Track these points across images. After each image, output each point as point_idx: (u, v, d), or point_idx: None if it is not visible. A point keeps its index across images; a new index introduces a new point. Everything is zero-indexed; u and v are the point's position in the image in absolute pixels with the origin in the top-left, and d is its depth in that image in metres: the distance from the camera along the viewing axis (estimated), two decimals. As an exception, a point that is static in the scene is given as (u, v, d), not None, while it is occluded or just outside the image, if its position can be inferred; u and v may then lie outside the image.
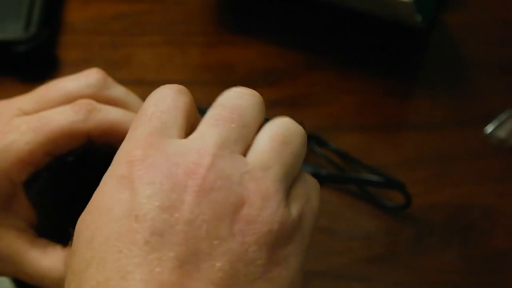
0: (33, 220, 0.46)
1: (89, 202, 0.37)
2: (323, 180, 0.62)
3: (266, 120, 0.44)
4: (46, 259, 0.45)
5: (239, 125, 0.38)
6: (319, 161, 0.63)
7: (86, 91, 0.46)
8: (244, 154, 0.38)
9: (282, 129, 0.40)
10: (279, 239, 0.36)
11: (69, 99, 0.46)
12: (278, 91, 0.68)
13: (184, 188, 0.35)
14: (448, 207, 0.61)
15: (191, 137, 0.37)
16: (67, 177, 0.46)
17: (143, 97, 0.68)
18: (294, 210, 0.37)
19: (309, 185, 0.40)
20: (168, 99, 0.39)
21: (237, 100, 0.39)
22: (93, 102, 0.45)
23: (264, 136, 0.39)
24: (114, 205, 0.35)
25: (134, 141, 0.37)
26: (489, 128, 0.65)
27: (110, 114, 0.45)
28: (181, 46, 0.71)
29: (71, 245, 0.37)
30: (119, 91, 0.48)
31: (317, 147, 0.63)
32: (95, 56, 0.70)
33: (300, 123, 0.64)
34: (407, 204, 0.59)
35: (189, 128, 0.39)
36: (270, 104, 0.66)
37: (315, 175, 0.61)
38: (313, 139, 0.64)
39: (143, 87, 0.68)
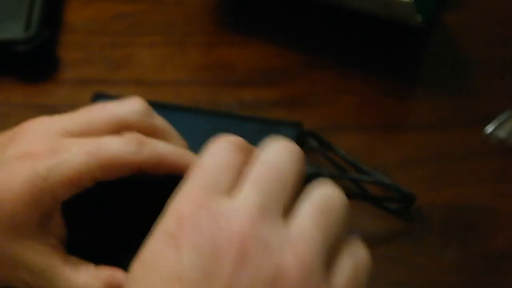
0: (64, 238, 0.47)
1: (140, 254, 0.38)
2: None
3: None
4: (80, 276, 0.46)
5: (281, 187, 0.38)
6: (319, 161, 0.63)
7: (131, 117, 0.47)
8: (286, 215, 0.38)
9: (324, 199, 0.39)
10: None
11: (115, 124, 0.47)
12: (278, 91, 0.68)
13: (225, 255, 0.35)
14: (448, 207, 0.61)
15: (236, 197, 0.38)
16: (102, 199, 0.47)
17: (143, 97, 0.68)
18: (337, 283, 0.37)
19: (358, 258, 0.39)
20: (226, 155, 0.40)
21: (279, 159, 0.39)
22: (142, 136, 0.46)
23: (306, 205, 0.39)
24: (160, 263, 0.36)
25: (186, 197, 0.38)
26: (489, 128, 0.65)
27: (159, 148, 0.46)
28: (181, 46, 0.71)
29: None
30: (160, 120, 0.49)
31: (313, 142, 0.63)
32: (95, 56, 0.70)
33: (299, 123, 0.64)
34: (408, 205, 0.59)
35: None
36: (270, 104, 0.67)
37: (316, 175, 0.61)
38: (313, 138, 0.64)
39: (143, 87, 0.68)
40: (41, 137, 0.45)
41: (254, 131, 0.64)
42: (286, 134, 0.63)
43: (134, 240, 0.43)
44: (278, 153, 0.39)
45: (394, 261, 0.57)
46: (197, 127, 0.64)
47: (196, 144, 0.64)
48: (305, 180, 0.62)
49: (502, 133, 0.64)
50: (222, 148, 0.40)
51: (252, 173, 0.38)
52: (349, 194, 0.61)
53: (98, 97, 0.66)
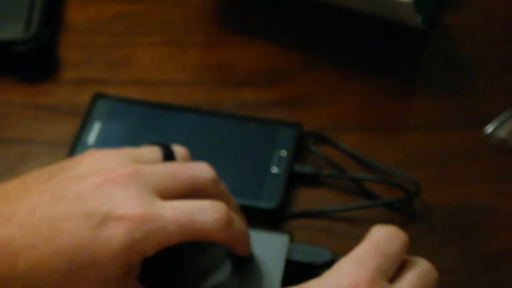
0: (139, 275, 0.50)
1: None
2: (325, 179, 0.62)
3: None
4: None
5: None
6: (318, 161, 0.63)
7: (207, 184, 0.51)
8: None
9: (422, 280, 0.48)
10: None
11: (193, 187, 0.50)
12: (278, 91, 0.68)
13: None
14: (448, 207, 0.61)
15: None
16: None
17: (144, 97, 0.68)
18: None
19: None
20: (399, 246, 0.48)
21: (428, 277, 0.48)
22: (230, 215, 0.49)
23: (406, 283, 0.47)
24: None
25: (364, 271, 0.46)
26: (489, 128, 0.65)
27: (239, 227, 0.50)
28: (181, 46, 0.71)
29: None
30: (224, 186, 0.53)
31: (313, 146, 0.63)
32: (95, 56, 0.70)
33: (299, 123, 0.64)
34: (413, 197, 0.60)
35: None
36: (270, 104, 0.67)
37: (316, 175, 0.62)
38: (316, 137, 0.64)
39: (143, 87, 0.68)
40: (134, 198, 0.47)
41: (254, 131, 0.64)
42: (286, 135, 0.63)
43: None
44: (428, 273, 0.48)
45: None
46: (197, 127, 0.64)
47: (196, 143, 0.64)
48: (305, 181, 0.62)
49: (502, 133, 0.64)
50: (396, 239, 0.49)
51: (409, 275, 0.47)
52: (349, 194, 0.61)
53: (98, 97, 0.66)
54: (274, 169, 0.61)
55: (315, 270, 0.55)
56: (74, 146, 0.63)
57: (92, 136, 0.63)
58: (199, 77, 0.69)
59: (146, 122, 0.64)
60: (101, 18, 0.73)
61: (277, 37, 0.71)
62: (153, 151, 0.52)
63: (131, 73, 0.69)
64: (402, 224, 0.60)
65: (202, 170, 0.51)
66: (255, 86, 0.68)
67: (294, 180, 0.62)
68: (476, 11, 0.73)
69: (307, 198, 0.61)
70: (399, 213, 0.60)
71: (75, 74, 0.69)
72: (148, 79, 0.69)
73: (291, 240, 0.55)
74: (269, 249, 0.54)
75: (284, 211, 0.60)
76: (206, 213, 0.48)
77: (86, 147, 0.63)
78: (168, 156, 0.53)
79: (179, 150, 0.54)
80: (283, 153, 0.62)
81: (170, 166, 0.51)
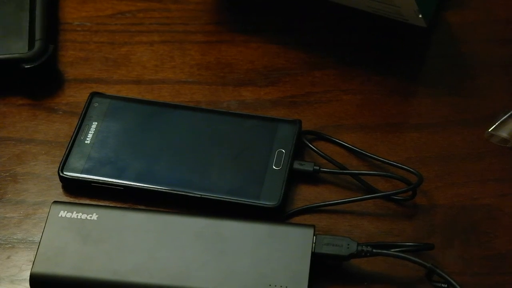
0: None
1: None
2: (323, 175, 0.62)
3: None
4: None
5: None
6: (318, 158, 0.62)
7: None
8: None
9: None
10: None
11: None
12: (278, 91, 0.67)
13: None
14: (450, 207, 0.60)
15: None
16: None
17: (142, 96, 0.68)
18: None
19: None
20: None
21: None
22: None
23: None
24: None
25: None
26: (491, 128, 0.64)
27: None
28: (180, 45, 0.70)
29: None
30: None
31: (313, 144, 0.63)
32: (94, 55, 0.70)
33: (298, 121, 0.64)
34: (413, 193, 0.60)
35: None
36: (270, 104, 0.66)
37: (317, 171, 0.61)
38: (315, 135, 0.64)
39: (142, 86, 0.68)
40: None
41: (253, 129, 0.63)
42: (285, 132, 0.63)
43: None
44: None
45: (396, 262, 0.57)
46: (195, 125, 0.64)
47: (195, 142, 0.63)
48: (305, 178, 0.62)
49: (504, 133, 0.64)
50: None
51: None
52: (349, 194, 0.61)
53: (94, 96, 0.65)
54: (274, 167, 0.61)
55: (342, 261, 0.56)
56: (72, 146, 0.62)
57: (89, 135, 0.63)
58: (198, 77, 0.68)
59: (144, 121, 0.64)
60: (99, 17, 0.72)
61: (277, 36, 0.71)
62: None
63: (130, 72, 0.69)
64: (403, 225, 0.59)
65: None
66: (255, 86, 0.68)
67: (293, 178, 0.61)
68: (478, 10, 0.73)
69: (306, 196, 0.61)
70: (402, 207, 0.60)
71: (73, 73, 0.68)
72: (147, 78, 0.68)
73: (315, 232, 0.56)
74: (295, 242, 0.55)
75: (284, 209, 0.59)
76: None
77: (83, 147, 0.62)
78: None
79: None
80: (283, 150, 0.61)
81: None
